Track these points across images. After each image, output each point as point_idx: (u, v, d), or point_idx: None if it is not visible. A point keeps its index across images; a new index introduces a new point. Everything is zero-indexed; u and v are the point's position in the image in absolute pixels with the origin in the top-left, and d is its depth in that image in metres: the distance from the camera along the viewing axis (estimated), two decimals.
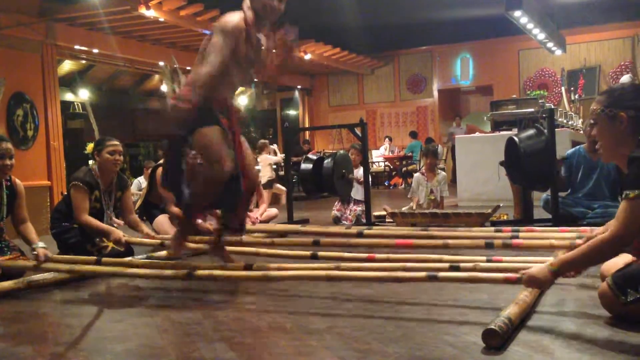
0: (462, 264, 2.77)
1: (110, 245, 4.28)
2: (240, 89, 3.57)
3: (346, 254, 3.46)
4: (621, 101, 2.24)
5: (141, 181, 9.10)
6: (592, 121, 2.38)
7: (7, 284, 3.32)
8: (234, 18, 3.15)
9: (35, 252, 3.64)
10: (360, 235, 3.97)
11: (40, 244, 3.76)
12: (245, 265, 3.13)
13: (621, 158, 2.25)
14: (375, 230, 4.35)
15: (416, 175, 6.98)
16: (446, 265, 2.81)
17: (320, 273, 2.84)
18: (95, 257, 3.65)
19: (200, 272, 3.06)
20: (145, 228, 4.53)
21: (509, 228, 3.90)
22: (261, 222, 6.44)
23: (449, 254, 3.25)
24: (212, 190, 3.09)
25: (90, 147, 4.56)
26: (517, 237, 3.56)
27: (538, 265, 2.35)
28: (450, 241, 3.48)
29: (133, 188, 8.19)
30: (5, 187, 3.91)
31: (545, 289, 2.29)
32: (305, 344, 2.22)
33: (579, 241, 2.73)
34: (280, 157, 10.13)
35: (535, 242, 3.35)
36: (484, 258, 2.98)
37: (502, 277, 2.43)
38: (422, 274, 2.61)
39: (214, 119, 3.14)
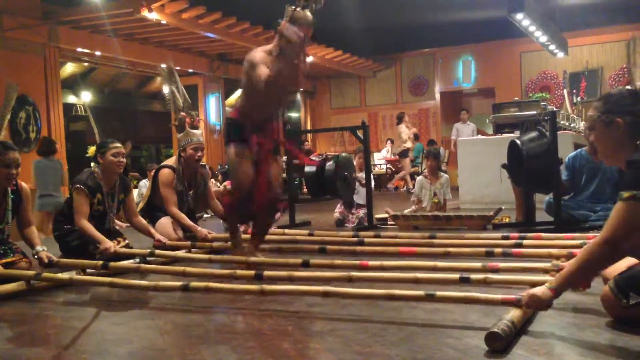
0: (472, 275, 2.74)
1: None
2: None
3: (337, 261, 3.46)
4: (617, 107, 2.22)
5: (144, 184, 9.05)
6: (589, 127, 2.38)
7: (10, 286, 3.32)
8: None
9: (37, 256, 3.72)
10: (361, 243, 4.03)
11: (43, 248, 3.78)
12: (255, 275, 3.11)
13: (621, 162, 2.24)
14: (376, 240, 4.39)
15: (419, 178, 6.96)
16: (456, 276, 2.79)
17: (318, 289, 2.76)
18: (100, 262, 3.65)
19: (194, 284, 3.00)
20: (155, 233, 4.56)
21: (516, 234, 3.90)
22: None
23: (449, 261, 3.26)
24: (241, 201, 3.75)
25: (92, 150, 4.56)
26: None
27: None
28: (451, 249, 3.47)
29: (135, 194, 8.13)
30: (10, 191, 3.92)
31: (546, 308, 2.25)
32: (307, 346, 2.22)
33: (562, 264, 2.72)
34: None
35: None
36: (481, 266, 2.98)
37: (499, 299, 2.38)
38: (421, 292, 2.54)
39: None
